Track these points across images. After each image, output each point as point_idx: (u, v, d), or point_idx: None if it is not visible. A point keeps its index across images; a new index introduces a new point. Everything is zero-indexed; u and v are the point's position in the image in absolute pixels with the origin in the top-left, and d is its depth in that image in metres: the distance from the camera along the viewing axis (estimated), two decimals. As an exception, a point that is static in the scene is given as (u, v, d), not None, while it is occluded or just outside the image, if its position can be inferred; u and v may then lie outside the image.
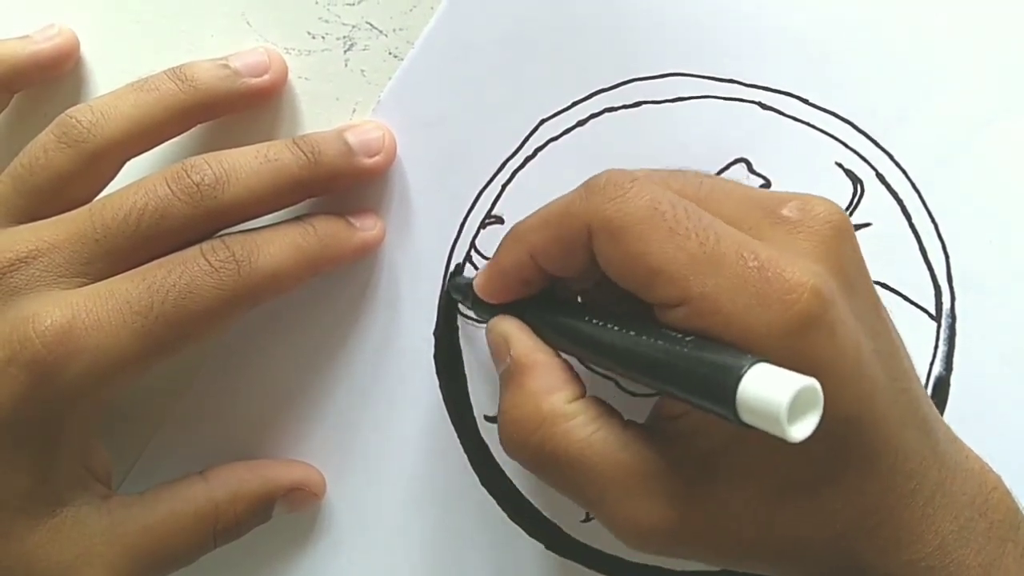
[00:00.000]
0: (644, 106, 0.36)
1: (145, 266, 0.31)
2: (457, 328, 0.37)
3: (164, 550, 0.33)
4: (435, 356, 0.37)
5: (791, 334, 0.26)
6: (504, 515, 0.37)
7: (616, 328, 0.29)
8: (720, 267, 0.27)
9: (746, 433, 0.25)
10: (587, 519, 0.37)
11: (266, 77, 0.35)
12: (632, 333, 0.28)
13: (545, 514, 0.37)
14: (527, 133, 0.36)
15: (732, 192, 0.30)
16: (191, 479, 0.34)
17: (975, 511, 0.29)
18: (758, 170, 0.36)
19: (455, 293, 0.36)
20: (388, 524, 0.38)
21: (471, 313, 0.36)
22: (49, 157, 0.32)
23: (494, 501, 0.37)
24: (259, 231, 0.33)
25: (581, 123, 0.36)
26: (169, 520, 0.33)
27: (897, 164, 0.36)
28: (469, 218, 0.36)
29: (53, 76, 0.37)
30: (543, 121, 0.36)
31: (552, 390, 0.30)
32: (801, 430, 0.24)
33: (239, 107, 0.35)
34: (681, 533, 0.28)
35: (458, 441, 0.37)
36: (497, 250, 0.32)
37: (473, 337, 0.37)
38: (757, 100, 0.36)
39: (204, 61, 0.34)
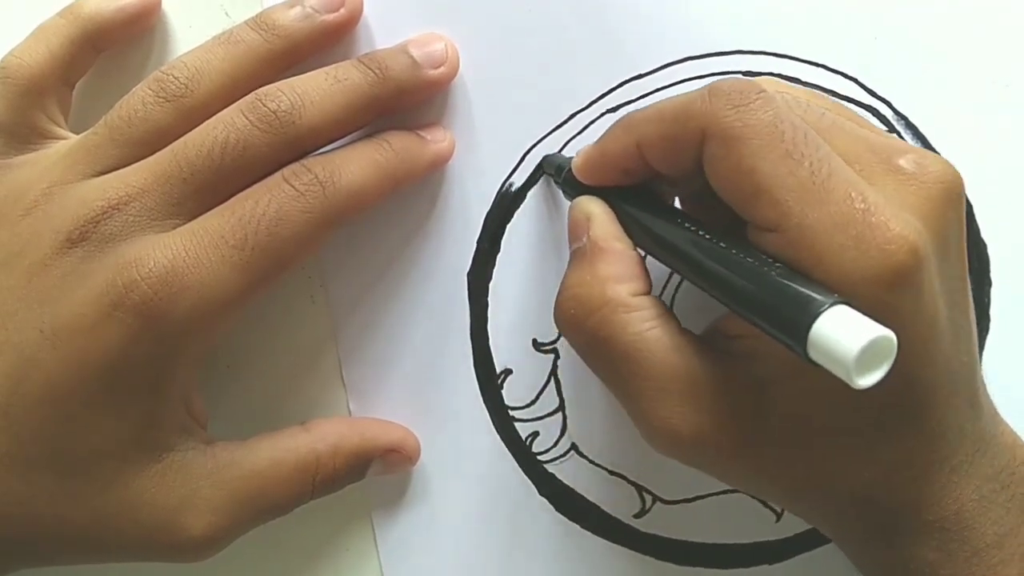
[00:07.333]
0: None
1: (232, 200, 0.31)
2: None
3: (265, 497, 0.33)
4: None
5: (881, 284, 0.26)
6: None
7: (707, 236, 0.29)
8: (826, 201, 0.26)
9: (804, 368, 0.25)
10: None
11: (342, 11, 0.34)
12: (722, 245, 0.28)
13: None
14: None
15: (852, 131, 0.29)
16: (293, 430, 0.35)
17: (999, 483, 0.30)
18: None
19: (548, 167, 0.36)
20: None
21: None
22: (148, 111, 0.32)
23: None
24: (337, 151, 0.33)
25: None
26: (271, 468, 0.33)
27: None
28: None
29: (137, 32, 0.36)
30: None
31: (621, 279, 0.30)
32: (867, 378, 0.24)
33: (322, 46, 0.34)
34: (711, 447, 0.29)
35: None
36: (604, 134, 0.32)
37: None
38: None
39: (280, 5, 0.34)
